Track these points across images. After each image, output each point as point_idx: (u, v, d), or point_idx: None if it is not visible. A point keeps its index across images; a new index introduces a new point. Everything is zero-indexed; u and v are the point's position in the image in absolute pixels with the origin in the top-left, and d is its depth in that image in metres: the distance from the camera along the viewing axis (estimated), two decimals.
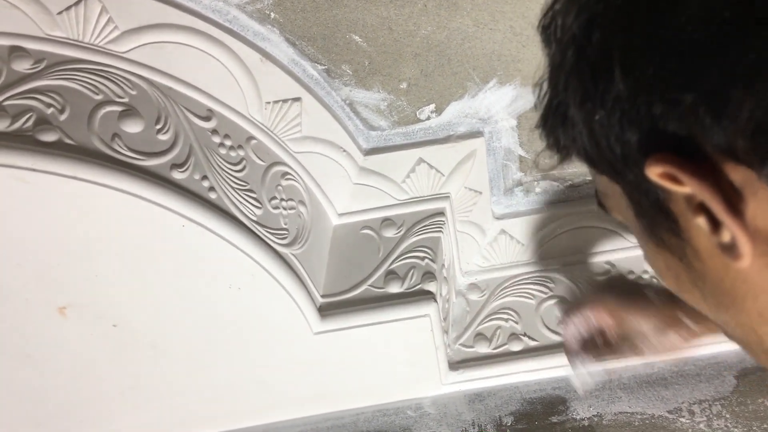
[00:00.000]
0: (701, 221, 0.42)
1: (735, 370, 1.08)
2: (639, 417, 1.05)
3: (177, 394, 1.03)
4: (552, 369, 1.12)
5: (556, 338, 1.14)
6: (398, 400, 1.11)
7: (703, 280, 0.47)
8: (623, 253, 1.18)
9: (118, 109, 0.80)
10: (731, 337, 0.52)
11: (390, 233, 1.06)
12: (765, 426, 1.02)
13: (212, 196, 0.84)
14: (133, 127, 0.80)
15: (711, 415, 1.04)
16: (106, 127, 0.79)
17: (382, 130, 1.03)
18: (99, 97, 0.80)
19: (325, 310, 0.99)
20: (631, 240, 1.18)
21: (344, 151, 1.02)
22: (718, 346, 1.10)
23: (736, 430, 1.02)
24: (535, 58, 0.95)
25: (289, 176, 0.97)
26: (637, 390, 1.08)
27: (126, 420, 1.06)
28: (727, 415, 1.03)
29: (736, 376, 1.08)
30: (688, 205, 0.43)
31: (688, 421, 1.03)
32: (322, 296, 1.00)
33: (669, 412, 1.04)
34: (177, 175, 0.81)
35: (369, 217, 1.07)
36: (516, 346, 1.14)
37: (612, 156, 0.45)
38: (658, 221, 0.47)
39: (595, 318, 0.91)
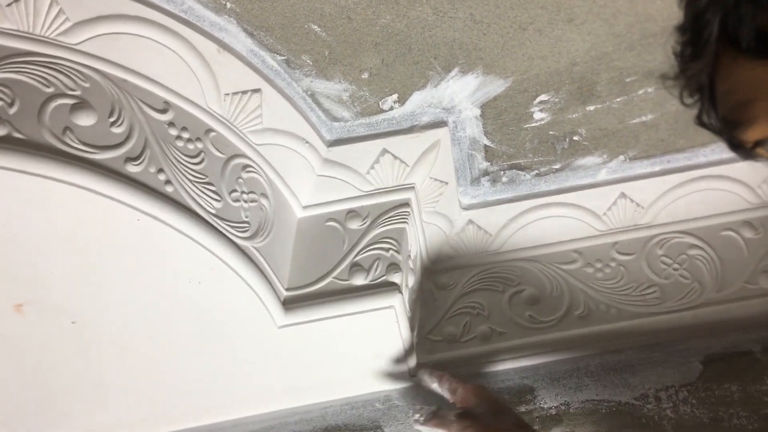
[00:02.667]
0: None
1: (701, 356, 1.09)
2: (606, 404, 1.05)
3: (143, 390, 1.02)
4: (520, 358, 1.12)
5: (523, 327, 1.14)
6: (366, 392, 1.11)
7: None
8: (590, 241, 1.18)
9: (70, 102, 0.79)
10: None
11: (355, 225, 1.05)
12: (731, 411, 1.03)
13: (168, 189, 0.83)
14: (85, 120, 0.79)
15: (677, 401, 1.04)
16: (58, 120, 0.77)
17: (345, 121, 1.02)
18: (50, 90, 0.78)
19: (289, 304, 0.98)
20: (599, 228, 1.18)
21: (307, 142, 1.01)
22: (684, 333, 1.11)
23: (702, 415, 1.03)
24: (495, 46, 0.95)
25: (250, 168, 0.96)
26: (604, 377, 1.08)
27: (93, 418, 1.05)
28: (694, 401, 1.04)
29: (702, 362, 1.08)
30: None
31: (654, 407, 1.04)
32: (287, 289, 0.99)
33: (635, 398, 1.05)
34: (131, 169, 0.80)
35: (334, 209, 1.06)
36: (484, 337, 1.14)
37: None
38: None
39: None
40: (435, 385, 1.02)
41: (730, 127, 0.58)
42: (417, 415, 0.97)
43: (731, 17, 0.53)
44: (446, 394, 1.01)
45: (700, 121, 0.63)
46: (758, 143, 0.57)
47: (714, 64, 0.57)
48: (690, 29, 0.60)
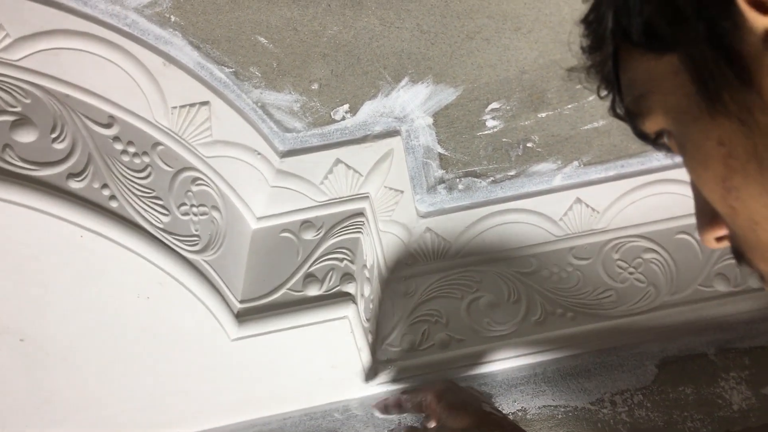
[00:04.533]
0: None
1: (656, 360, 1.10)
2: (562, 410, 1.06)
3: (94, 406, 1.01)
4: (478, 365, 1.12)
5: (481, 334, 1.14)
6: (325, 403, 1.10)
7: (764, 141, 0.46)
8: (547, 246, 1.19)
9: (10, 118, 0.77)
10: None
11: (309, 236, 1.05)
12: (685, 414, 1.04)
13: (113, 204, 0.82)
14: (26, 137, 0.78)
15: (632, 405, 1.05)
16: None
17: (298, 131, 1.02)
18: None
19: (242, 316, 0.97)
20: (556, 234, 1.19)
21: (259, 154, 1.00)
22: (640, 336, 1.12)
23: (657, 418, 1.03)
24: (444, 55, 0.95)
25: (200, 181, 0.95)
26: (561, 383, 1.08)
27: None
28: (648, 404, 1.05)
29: (657, 365, 1.09)
30: (766, 41, 0.43)
31: (610, 411, 1.05)
32: (240, 301, 0.99)
33: (591, 403, 1.05)
34: (74, 185, 0.79)
35: (288, 219, 1.06)
36: (443, 344, 1.14)
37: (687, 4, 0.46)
38: (723, 77, 0.46)
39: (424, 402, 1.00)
40: (397, 412, 1.05)
41: (632, 118, 0.59)
42: None
43: (622, 10, 0.54)
44: (415, 411, 1.03)
45: (613, 113, 0.64)
46: (658, 134, 0.57)
47: (615, 56, 0.58)
48: (589, 22, 0.61)
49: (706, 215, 0.56)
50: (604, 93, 0.64)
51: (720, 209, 0.53)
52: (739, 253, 0.55)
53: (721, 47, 0.46)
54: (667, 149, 0.60)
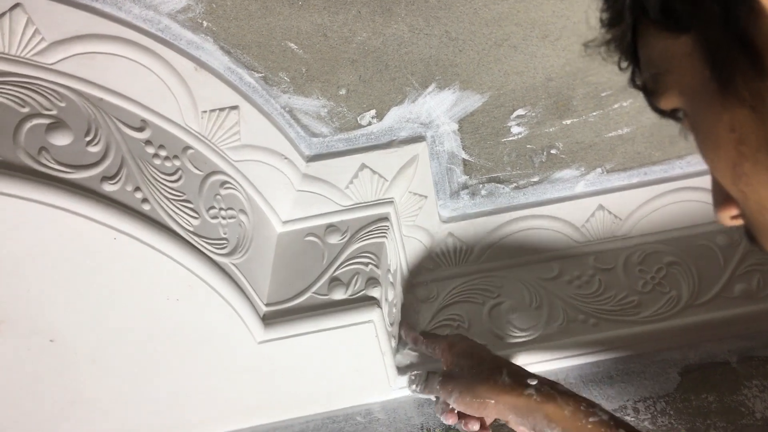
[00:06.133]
0: None
1: (679, 368, 1.10)
2: None
3: (120, 407, 1.01)
4: None
5: (503, 340, 1.14)
6: (348, 406, 1.11)
7: None
8: (569, 252, 1.19)
9: (46, 121, 0.78)
10: None
11: (334, 240, 1.05)
12: (708, 422, 1.04)
13: (145, 207, 0.83)
14: (61, 140, 0.79)
15: (655, 413, 1.05)
16: (33, 140, 0.77)
17: (324, 136, 1.03)
18: (26, 110, 0.78)
19: (268, 319, 0.98)
20: (578, 240, 1.19)
21: (286, 158, 1.01)
22: (662, 343, 1.12)
23: (679, 426, 1.03)
24: (471, 62, 0.96)
25: (228, 185, 0.96)
26: (584, 389, 1.09)
27: None
28: (671, 412, 1.05)
29: (679, 373, 1.09)
30: None
31: (632, 419, 1.04)
32: (266, 305, 0.99)
33: (614, 410, 1.05)
34: (107, 188, 0.80)
35: (313, 224, 1.07)
36: None
37: None
38: (736, 63, 0.46)
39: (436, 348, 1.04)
40: (414, 346, 1.09)
41: (648, 95, 0.59)
42: (414, 386, 1.02)
43: None
44: (430, 353, 1.06)
45: (633, 84, 0.64)
46: (674, 111, 0.57)
47: (634, 31, 0.58)
48: None
49: (721, 194, 0.56)
50: (624, 65, 0.64)
51: (731, 192, 0.54)
52: (750, 235, 0.55)
53: (735, 32, 0.45)
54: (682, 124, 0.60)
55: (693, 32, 0.50)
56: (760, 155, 0.48)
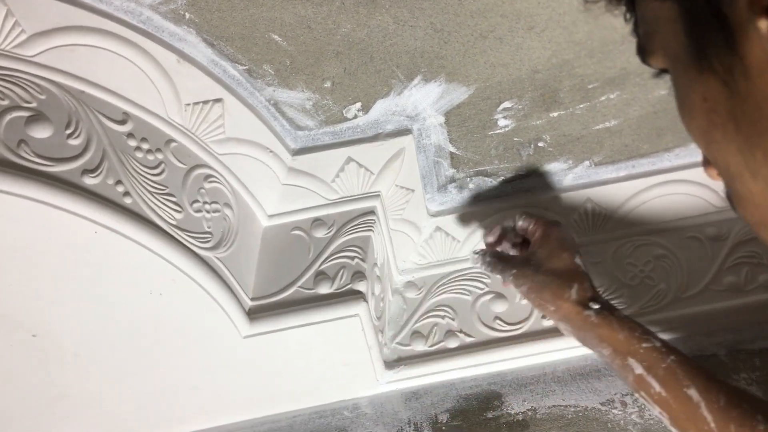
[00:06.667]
0: (764, 24, 0.43)
1: None
2: (572, 410, 1.05)
3: (106, 402, 1.01)
4: (488, 364, 1.12)
5: (492, 334, 1.14)
6: (335, 401, 1.11)
7: (743, 106, 0.47)
8: None
9: (26, 114, 0.78)
10: (748, 194, 0.52)
11: (320, 233, 1.05)
12: None
13: (127, 201, 0.82)
14: (41, 133, 0.78)
15: (643, 406, 1.05)
16: (12, 133, 0.76)
17: (310, 129, 1.02)
18: (5, 103, 0.77)
19: (254, 313, 0.98)
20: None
21: (271, 151, 1.01)
22: None
23: None
24: (457, 54, 0.95)
25: (212, 179, 0.96)
26: (571, 382, 1.08)
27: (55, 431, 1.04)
28: None
29: None
30: (751, 7, 0.44)
31: (620, 412, 1.04)
32: (252, 299, 0.99)
33: (602, 404, 1.05)
34: (88, 181, 0.79)
35: (299, 217, 1.06)
36: (452, 343, 1.14)
37: None
38: (711, 37, 0.47)
39: (531, 228, 1.01)
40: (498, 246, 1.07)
41: (640, 51, 0.61)
42: (483, 266, 1.01)
43: None
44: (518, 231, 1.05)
45: (636, 34, 0.65)
46: (662, 71, 0.59)
47: None
48: None
49: None
50: (629, 17, 0.65)
51: (706, 155, 0.55)
52: (730, 199, 0.56)
53: (714, 6, 0.46)
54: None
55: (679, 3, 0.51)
56: (729, 126, 0.49)
